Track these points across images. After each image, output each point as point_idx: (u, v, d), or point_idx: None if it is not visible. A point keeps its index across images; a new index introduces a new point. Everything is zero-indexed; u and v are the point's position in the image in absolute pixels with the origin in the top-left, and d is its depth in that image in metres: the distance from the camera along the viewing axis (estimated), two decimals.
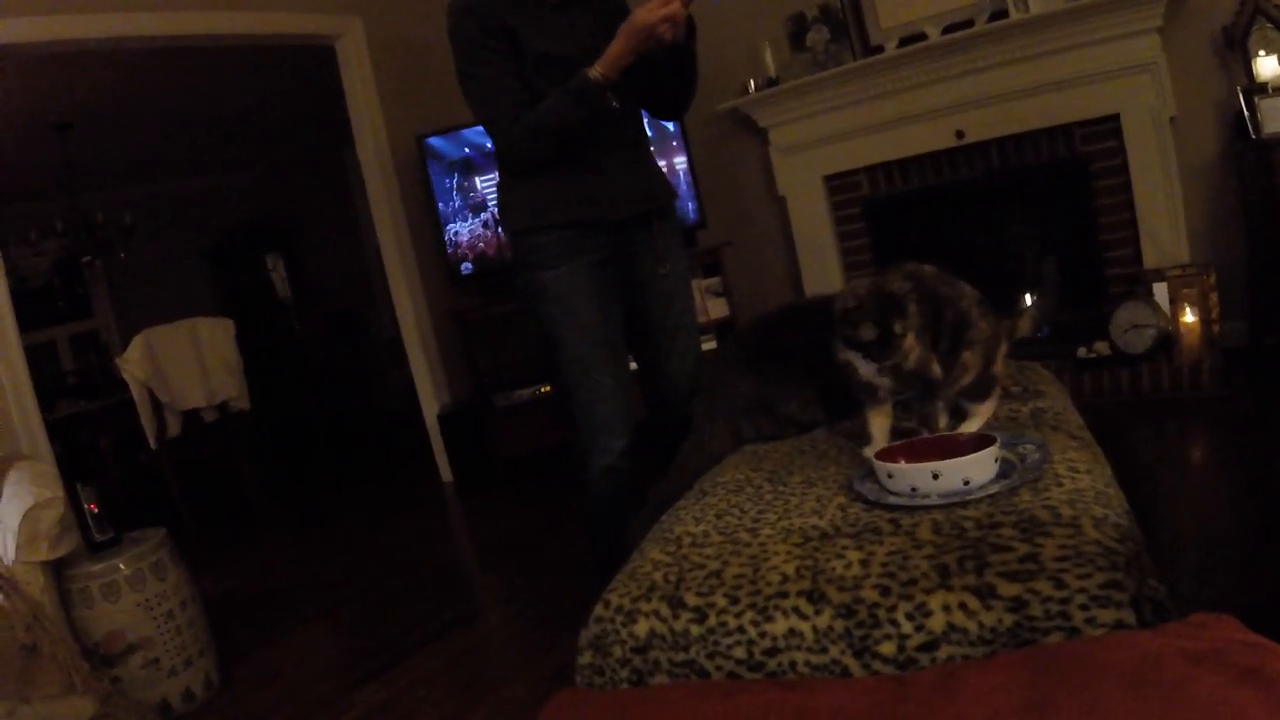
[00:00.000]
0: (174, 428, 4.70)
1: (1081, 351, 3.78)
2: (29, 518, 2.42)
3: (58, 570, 2.55)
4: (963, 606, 1.09)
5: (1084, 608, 1.05)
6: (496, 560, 3.58)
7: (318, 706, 2.51)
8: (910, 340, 1.49)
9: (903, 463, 1.34)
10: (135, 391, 4.55)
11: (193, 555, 2.90)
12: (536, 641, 2.64)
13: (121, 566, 2.59)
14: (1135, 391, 3.60)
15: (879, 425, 1.60)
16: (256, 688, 2.75)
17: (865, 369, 1.54)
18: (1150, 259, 3.83)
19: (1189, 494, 2.73)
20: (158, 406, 4.61)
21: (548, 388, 4.40)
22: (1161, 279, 3.63)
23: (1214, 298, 3.58)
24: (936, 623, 1.08)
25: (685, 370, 2.30)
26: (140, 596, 2.60)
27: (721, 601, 1.18)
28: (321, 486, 5.72)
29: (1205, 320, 3.53)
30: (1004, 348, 1.66)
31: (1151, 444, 3.24)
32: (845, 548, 1.21)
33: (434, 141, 4.50)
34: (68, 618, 2.53)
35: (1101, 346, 3.72)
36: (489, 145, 4.29)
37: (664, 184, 2.31)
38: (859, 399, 1.63)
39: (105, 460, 5.04)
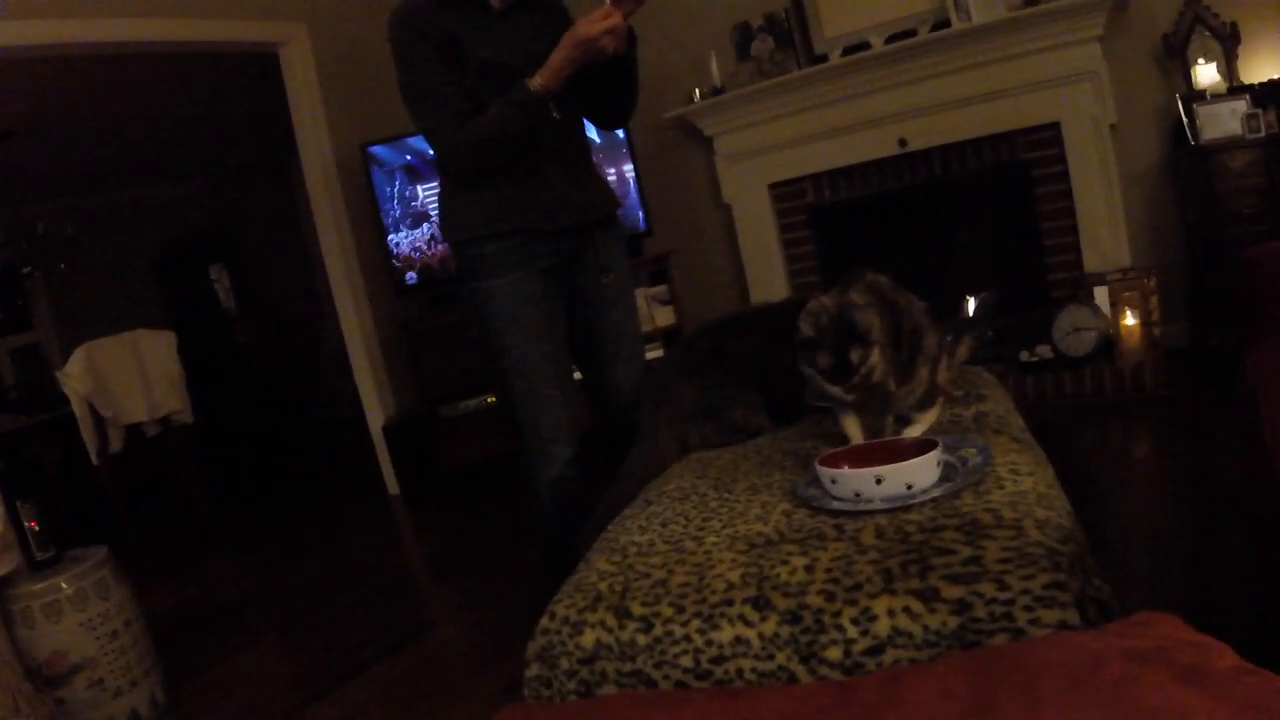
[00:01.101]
0: (116, 442, 4.61)
1: (1024, 355, 3.83)
2: None
3: None
4: (907, 610, 1.09)
5: (1028, 609, 1.06)
6: (447, 571, 3.55)
7: None
8: (874, 358, 1.50)
9: (846, 468, 1.35)
10: (76, 406, 4.45)
11: (137, 572, 2.85)
12: (490, 653, 2.62)
13: (64, 585, 2.53)
14: (1078, 394, 3.66)
15: (852, 426, 1.60)
16: (205, 707, 2.70)
17: (827, 386, 1.55)
18: (1091, 263, 3.90)
19: (1133, 495, 2.78)
20: (99, 421, 4.51)
21: (493, 398, 4.38)
22: (1103, 283, 3.70)
23: (1154, 300, 3.66)
24: (882, 627, 1.09)
25: (631, 379, 2.29)
26: (83, 616, 2.54)
27: (668, 610, 1.18)
28: (268, 500, 5.64)
29: (1146, 323, 3.60)
30: (945, 359, 1.68)
31: (1095, 446, 3.29)
32: (790, 554, 1.21)
33: (377, 150, 4.47)
34: (9, 638, 2.46)
35: (1044, 350, 3.78)
36: (430, 153, 4.28)
37: (607, 193, 2.31)
38: (824, 406, 1.64)
39: (47, 476, 4.93)
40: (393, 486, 4.77)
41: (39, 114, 5.48)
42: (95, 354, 4.50)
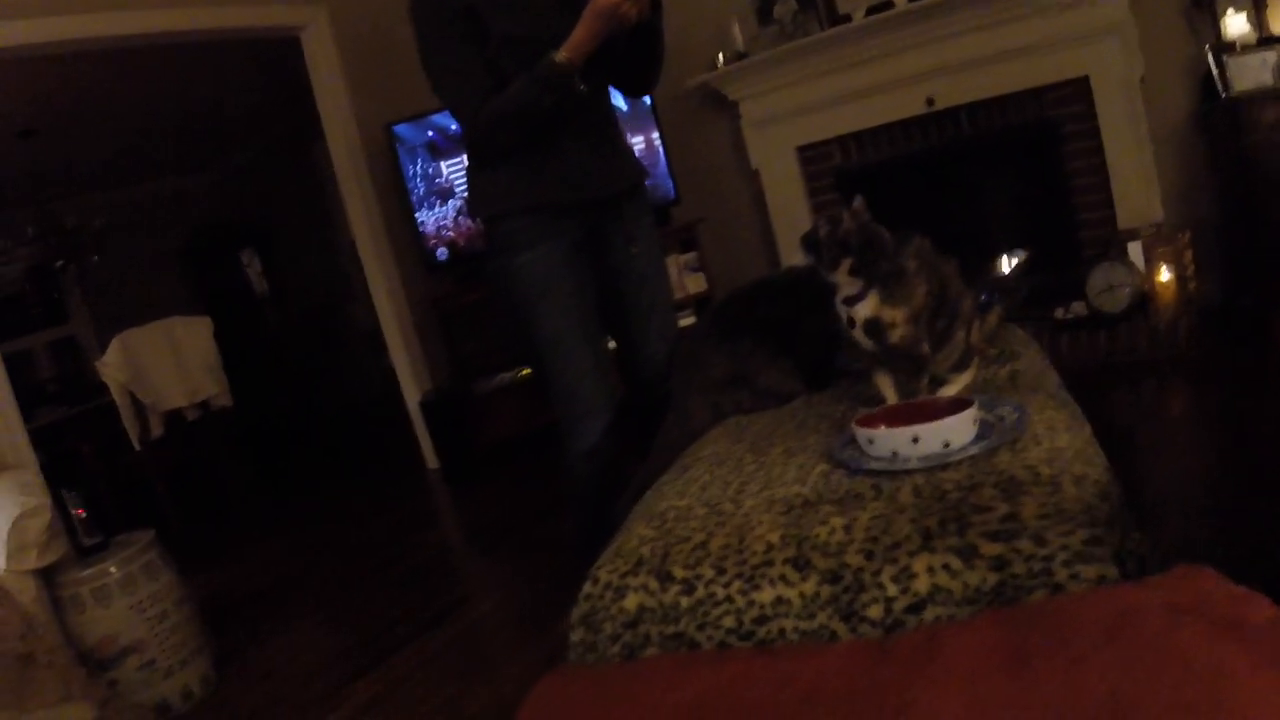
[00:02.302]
0: (156, 428, 4.68)
1: (1059, 313, 3.80)
2: (16, 527, 2.41)
3: (48, 578, 2.54)
4: (946, 568, 1.10)
5: (1066, 564, 1.06)
6: (487, 545, 3.59)
7: (316, 699, 2.52)
8: (899, 315, 1.49)
9: (883, 428, 1.35)
10: (116, 394, 4.52)
11: (180, 556, 2.90)
12: (530, 625, 2.65)
13: (112, 570, 2.59)
14: (1113, 352, 3.63)
15: (886, 386, 1.61)
16: (254, 684, 2.75)
17: (850, 321, 1.54)
18: (1124, 220, 3.85)
19: (1169, 453, 2.76)
20: (139, 408, 4.58)
21: (527, 370, 4.40)
22: (1136, 239, 3.65)
23: (1189, 256, 3.61)
24: (921, 584, 1.09)
25: (663, 349, 2.30)
26: (132, 599, 2.59)
27: (709, 573, 1.19)
28: (307, 481, 5.71)
29: (1181, 279, 3.55)
30: (979, 321, 1.67)
31: (1130, 404, 3.27)
32: (829, 514, 1.22)
33: (400, 128, 4.48)
34: (61, 625, 2.52)
35: (1078, 308, 3.75)
36: (453, 128, 4.29)
37: (634, 164, 2.31)
38: (858, 369, 1.64)
39: (89, 465, 5.02)
40: (431, 461, 4.81)
41: (60, 111, 5.52)
42: (132, 342, 4.56)
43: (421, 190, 4.52)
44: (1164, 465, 2.65)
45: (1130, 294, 3.58)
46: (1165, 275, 3.55)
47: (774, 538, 1.20)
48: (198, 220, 8.42)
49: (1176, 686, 0.76)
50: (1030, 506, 1.14)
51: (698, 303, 4.54)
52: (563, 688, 0.94)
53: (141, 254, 7.98)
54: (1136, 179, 3.81)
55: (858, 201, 1.57)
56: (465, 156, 2.31)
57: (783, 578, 1.14)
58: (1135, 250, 3.63)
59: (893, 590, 1.10)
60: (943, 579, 1.09)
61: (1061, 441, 1.31)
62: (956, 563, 1.10)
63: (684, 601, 1.18)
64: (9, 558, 2.39)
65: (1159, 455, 2.73)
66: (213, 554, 4.38)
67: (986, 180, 4.34)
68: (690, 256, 4.61)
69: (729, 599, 1.16)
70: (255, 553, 4.33)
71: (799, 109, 4.46)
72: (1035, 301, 3.85)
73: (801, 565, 1.15)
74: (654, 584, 1.21)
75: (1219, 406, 3.05)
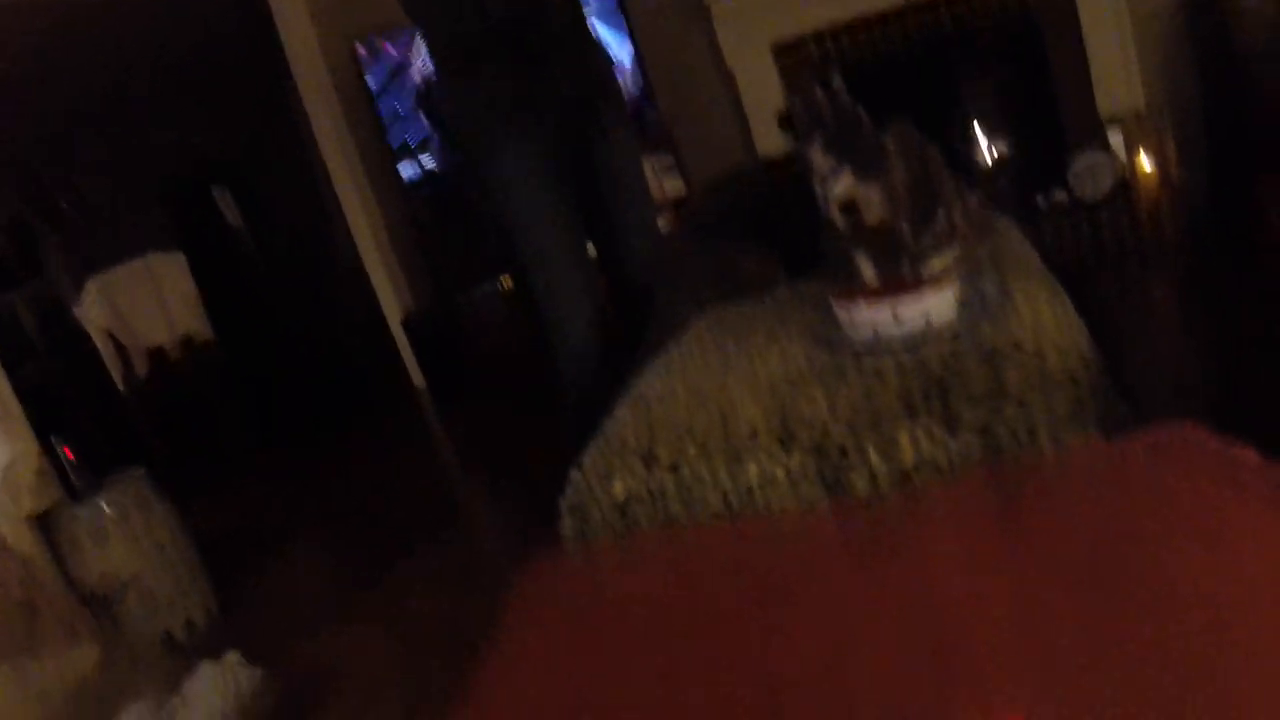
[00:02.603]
0: (141, 367, 4.66)
1: (1039, 201, 3.77)
2: (7, 475, 2.40)
3: (44, 524, 2.54)
4: (931, 437, 1.10)
5: (1051, 430, 1.06)
6: (480, 460, 3.58)
7: (318, 620, 2.54)
8: (874, 194, 1.47)
9: (864, 306, 1.34)
10: (97, 338, 4.50)
11: (173, 496, 2.90)
12: (525, 534, 2.66)
13: (105, 508, 2.58)
14: (1095, 240, 3.62)
15: (865, 264, 1.58)
16: (255, 610, 2.78)
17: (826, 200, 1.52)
18: (1105, 107, 3.80)
19: (1153, 333, 2.77)
20: (122, 351, 4.55)
21: (509, 279, 4.35)
22: (1117, 125, 3.62)
23: (1171, 144, 3.58)
24: (906, 455, 1.09)
25: (643, 248, 2.28)
26: (128, 534, 2.60)
27: (694, 453, 1.19)
28: (296, 415, 5.69)
29: (1163, 164, 3.53)
30: (960, 203, 1.65)
31: (1113, 291, 3.27)
32: (811, 391, 1.21)
33: (367, 44, 4.38)
34: (60, 569, 2.53)
35: (1059, 196, 3.72)
36: (422, 43, 4.20)
37: (605, 63, 2.27)
38: (838, 254, 1.62)
39: (76, 411, 5.00)
40: (418, 379, 4.77)
41: (21, 65, 5.38)
42: (108, 285, 4.52)
43: (395, 107, 4.44)
44: (1147, 346, 2.66)
45: (1112, 180, 3.56)
46: (1147, 164, 3.52)
47: (757, 415, 1.20)
48: (170, 162, 8.26)
49: (1167, 525, 0.77)
50: (1014, 375, 1.14)
51: (675, 204, 4.50)
52: (552, 566, 0.94)
53: (115, 200, 7.84)
54: (1117, 65, 3.76)
55: (836, 80, 1.53)
56: (434, 70, 2.27)
57: (768, 454, 1.14)
58: (1117, 137, 3.60)
59: (877, 462, 1.10)
60: (927, 449, 1.09)
61: (1043, 314, 1.31)
62: (940, 432, 1.10)
63: (670, 483, 1.19)
64: (3, 506, 2.39)
65: (1142, 336, 2.74)
66: (205, 492, 4.38)
67: (967, 74, 4.28)
68: (666, 159, 4.54)
69: (715, 478, 1.16)
70: (248, 488, 4.34)
71: (774, 4, 4.35)
72: (1016, 189, 3.82)
73: (786, 441, 1.15)
74: (640, 467, 1.21)
75: (1203, 294, 3.05)
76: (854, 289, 1.43)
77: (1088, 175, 3.59)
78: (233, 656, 2.09)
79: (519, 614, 0.88)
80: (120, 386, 4.61)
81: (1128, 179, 3.56)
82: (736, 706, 0.71)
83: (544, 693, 0.79)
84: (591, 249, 2.29)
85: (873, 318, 1.31)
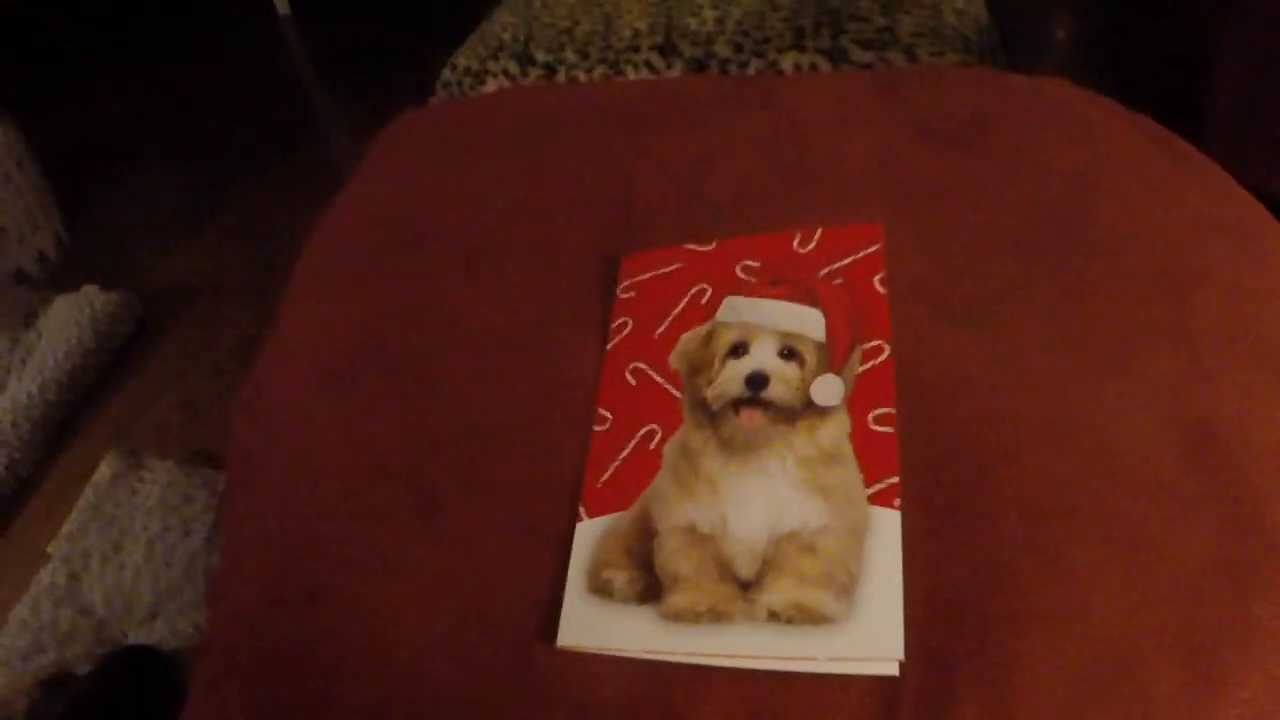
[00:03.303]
0: None
1: None
2: None
3: None
4: (814, 68, 1.08)
5: None
6: (339, 77, 3.38)
7: (175, 239, 2.46)
8: None
9: None
10: None
11: (14, 116, 2.67)
12: None
13: None
14: None
15: None
16: (108, 236, 2.65)
17: None
18: None
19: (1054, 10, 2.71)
20: None
21: None
22: None
23: None
24: None
25: None
26: None
27: (572, 57, 1.14)
28: (141, 25, 5.20)
29: None
30: None
31: None
32: (701, 6, 1.17)
33: None
34: None
35: None
36: None
37: None
38: None
39: None
40: (282, 6, 4.35)
41: None
42: None
43: None
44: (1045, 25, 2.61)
45: None
46: None
47: (642, 24, 1.15)
48: None
49: (1038, 115, 0.78)
50: (907, 24, 1.12)
51: None
52: (410, 119, 0.92)
53: None
54: None
55: None
56: None
57: (648, 63, 1.11)
58: None
59: None
60: None
61: None
62: (825, 64, 1.08)
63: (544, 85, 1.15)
64: None
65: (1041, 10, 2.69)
66: (40, 108, 4.04)
67: None
68: None
69: (591, 84, 1.13)
70: (88, 103, 4.01)
71: None
72: None
73: (667, 51, 1.11)
74: (514, 68, 1.16)
75: None
76: None
77: None
78: (90, 288, 2.04)
79: (377, 158, 0.86)
80: None
81: None
82: (600, 218, 0.72)
83: (400, 216, 0.79)
84: None
85: None
